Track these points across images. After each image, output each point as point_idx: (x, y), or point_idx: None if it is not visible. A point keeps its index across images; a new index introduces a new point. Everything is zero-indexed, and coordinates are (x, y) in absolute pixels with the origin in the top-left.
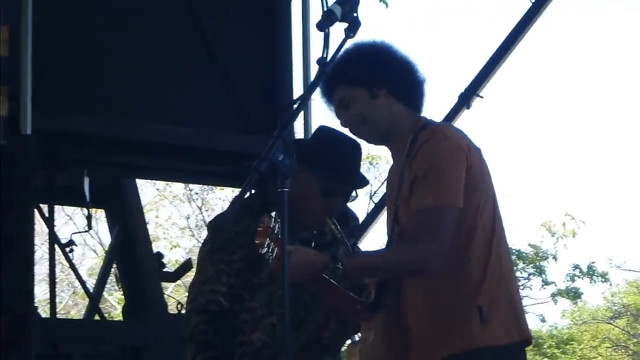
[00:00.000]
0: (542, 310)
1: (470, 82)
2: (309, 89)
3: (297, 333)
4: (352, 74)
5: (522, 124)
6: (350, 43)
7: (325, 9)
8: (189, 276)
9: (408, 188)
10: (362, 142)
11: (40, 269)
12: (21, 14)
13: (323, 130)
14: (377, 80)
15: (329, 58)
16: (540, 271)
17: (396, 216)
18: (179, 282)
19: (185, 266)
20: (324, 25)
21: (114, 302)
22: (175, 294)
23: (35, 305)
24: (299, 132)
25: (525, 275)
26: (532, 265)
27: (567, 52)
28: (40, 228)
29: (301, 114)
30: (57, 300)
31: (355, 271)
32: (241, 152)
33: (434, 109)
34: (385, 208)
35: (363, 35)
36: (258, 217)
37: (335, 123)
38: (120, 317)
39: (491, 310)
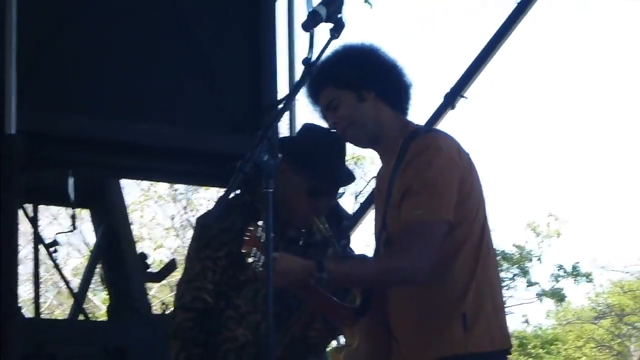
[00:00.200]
0: (526, 311)
1: (455, 83)
2: (294, 89)
3: (282, 331)
4: (341, 76)
5: (506, 125)
6: (339, 45)
7: (310, 9)
8: (174, 276)
9: (399, 196)
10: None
11: (25, 269)
12: (5, 13)
13: (308, 127)
14: (366, 84)
15: (314, 58)
16: (524, 272)
17: (384, 222)
18: (163, 282)
19: (170, 266)
20: (309, 25)
21: (98, 302)
22: (159, 294)
23: (20, 305)
24: (283, 132)
25: (509, 275)
26: (516, 266)
27: (551, 52)
28: (24, 228)
29: (286, 114)
30: (42, 300)
31: (341, 278)
32: (226, 152)
33: (419, 109)
34: (371, 209)
35: (347, 36)
36: (245, 215)
37: (320, 121)
38: (104, 317)
39: (475, 318)
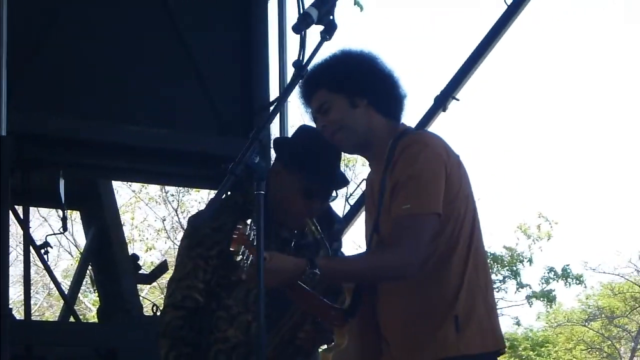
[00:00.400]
0: (517, 313)
1: (446, 85)
2: (285, 91)
3: (273, 332)
4: (335, 81)
5: (496, 127)
6: (338, 49)
7: (301, 11)
8: (165, 278)
9: (389, 196)
10: None
11: (15, 271)
12: None
13: (304, 129)
14: (360, 91)
15: (305, 61)
16: (515, 274)
17: (376, 225)
18: (154, 284)
19: (161, 268)
20: (300, 27)
21: (89, 304)
22: (150, 296)
23: (10, 307)
24: (275, 134)
25: (500, 278)
26: (507, 268)
27: (542, 54)
28: (15, 230)
29: (277, 116)
30: (32, 302)
31: (333, 274)
32: (217, 154)
33: (410, 111)
34: (362, 211)
35: (338, 38)
36: (236, 216)
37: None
38: (95, 319)
39: (467, 320)
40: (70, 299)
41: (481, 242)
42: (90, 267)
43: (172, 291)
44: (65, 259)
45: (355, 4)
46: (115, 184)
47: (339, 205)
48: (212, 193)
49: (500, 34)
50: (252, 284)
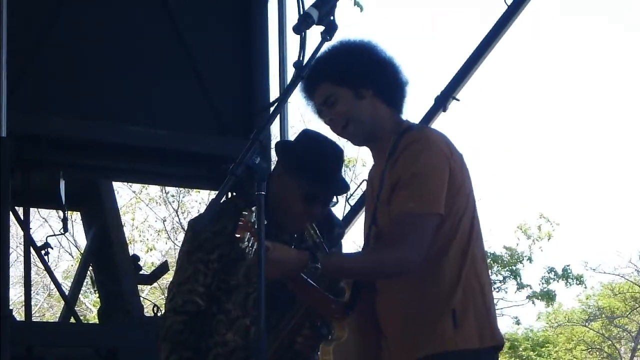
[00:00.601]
0: (517, 313)
1: (446, 85)
2: (285, 91)
3: (272, 337)
4: (340, 73)
5: (496, 127)
6: (336, 41)
7: (302, 12)
8: (166, 279)
9: (389, 190)
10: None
11: (15, 272)
12: None
13: (307, 133)
14: (365, 81)
15: (305, 61)
16: (515, 274)
17: (374, 217)
18: (155, 284)
19: (162, 269)
20: (301, 28)
21: (89, 304)
22: (151, 297)
23: (10, 308)
24: (275, 135)
25: (500, 278)
26: (507, 268)
27: (542, 54)
28: (15, 230)
29: (278, 116)
30: (33, 303)
31: (334, 270)
32: (217, 155)
33: (410, 111)
34: (362, 210)
35: (338, 38)
36: (237, 218)
37: (316, 124)
38: (95, 320)
39: (465, 314)
40: (70, 299)
41: (480, 240)
42: (90, 268)
43: (172, 295)
44: (65, 259)
45: (355, 5)
46: (116, 185)
47: (339, 206)
48: (213, 194)
49: (500, 34)
50: (252, 287)
